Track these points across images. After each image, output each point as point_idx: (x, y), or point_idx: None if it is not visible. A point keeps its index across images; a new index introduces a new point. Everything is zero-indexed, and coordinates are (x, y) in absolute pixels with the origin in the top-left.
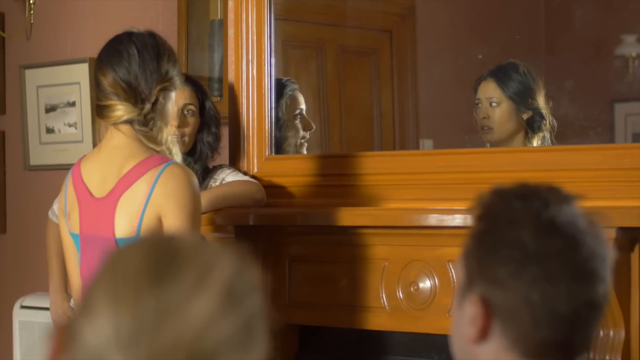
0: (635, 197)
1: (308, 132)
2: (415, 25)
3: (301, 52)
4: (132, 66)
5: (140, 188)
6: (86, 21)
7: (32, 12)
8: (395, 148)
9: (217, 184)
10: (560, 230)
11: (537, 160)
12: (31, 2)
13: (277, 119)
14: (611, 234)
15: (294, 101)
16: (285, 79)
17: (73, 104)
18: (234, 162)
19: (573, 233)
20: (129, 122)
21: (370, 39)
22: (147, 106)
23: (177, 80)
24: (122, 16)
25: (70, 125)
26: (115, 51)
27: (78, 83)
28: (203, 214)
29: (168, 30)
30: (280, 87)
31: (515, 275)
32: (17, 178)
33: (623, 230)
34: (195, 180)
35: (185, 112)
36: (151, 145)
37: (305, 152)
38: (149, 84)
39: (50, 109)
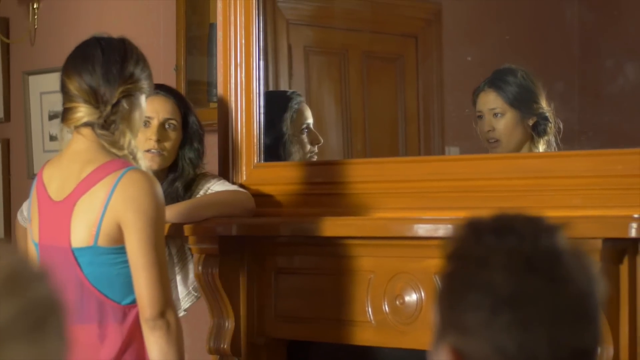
0: (627, 206)
1: (316, 146)
2: (442, 30)
3: (324, 59)
4: (95, 68)
5: (98, 193)
6: (90, 27)
7: (36, 17)
8: (420, 155)
9: (202, 193)
10: (537, 269)
11: (528, 167)
12: (35, 7)
13: (281, 134)
14: (597, 245)
15: (300, 115)
16: (290, 91)
17: None
18: (223, 170)
19: (553, 271)
20: (90, 125)
21: (395, 44)
22: (108, 108)
23: (145, 85)
24: (125, 21)
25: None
26: (80, 54)
27: None
28: (186, 224)
29: (170, 34)
30: (285, 101)
31: (486, 324)
32: (21, 186)
33: (611, 241)
34: (158, 187)
35: (167, 126)
36: (113, 150)
37: None
38: (110, 86)
39: (54, 115)
